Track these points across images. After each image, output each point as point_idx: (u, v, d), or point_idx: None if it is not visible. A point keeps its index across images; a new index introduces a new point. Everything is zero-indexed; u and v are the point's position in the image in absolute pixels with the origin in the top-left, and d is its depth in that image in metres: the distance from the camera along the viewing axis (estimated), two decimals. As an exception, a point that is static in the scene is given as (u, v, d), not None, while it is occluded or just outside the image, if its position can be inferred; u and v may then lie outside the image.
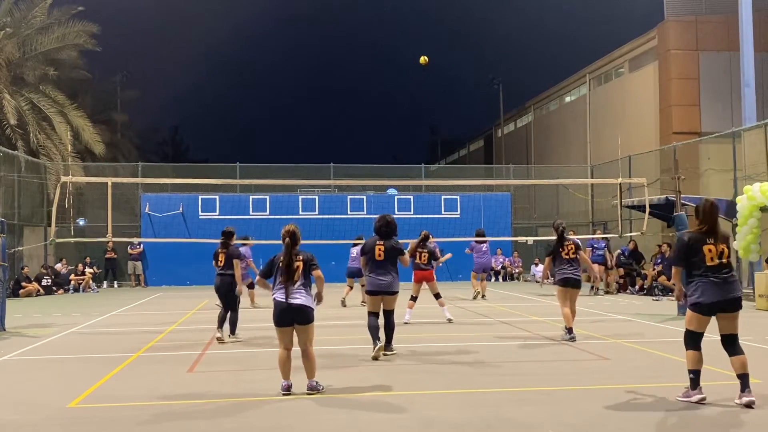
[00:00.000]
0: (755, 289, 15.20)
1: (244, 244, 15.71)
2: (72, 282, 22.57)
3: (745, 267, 18.19)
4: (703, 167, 22.53)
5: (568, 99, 37.66)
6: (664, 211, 18.41)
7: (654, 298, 17.54)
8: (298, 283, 6.68)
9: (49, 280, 21.56)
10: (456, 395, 6.50)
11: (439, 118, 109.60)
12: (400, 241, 9.08)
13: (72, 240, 18.97)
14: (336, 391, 6.74)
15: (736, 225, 16.63)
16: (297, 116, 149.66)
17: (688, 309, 6.18)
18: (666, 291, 17.40)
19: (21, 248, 21.24)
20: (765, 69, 24.09)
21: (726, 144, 20.05)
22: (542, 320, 12.68)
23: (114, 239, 17.40)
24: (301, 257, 6.80)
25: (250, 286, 15.50)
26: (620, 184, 17.90)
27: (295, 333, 6.69)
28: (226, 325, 10.26)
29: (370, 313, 8.83)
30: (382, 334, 8.69)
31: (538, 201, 28.74)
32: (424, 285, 12.51)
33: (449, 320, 12.38)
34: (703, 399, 5.98)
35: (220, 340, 10.01)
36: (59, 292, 21.75)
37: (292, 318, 6.61)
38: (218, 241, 10.65)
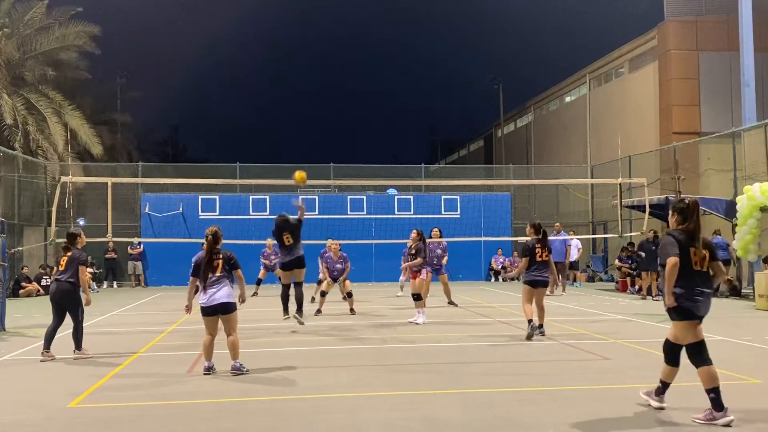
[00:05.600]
0: (755, 289, 15.19)
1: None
2: (72, 282, 22.52)
3: (744, 267, 18.20)
4: (703, 167, 22.53)
5: (568, 99, 37.66)
6: (664, 211, 18.39)
7: (654, 298, 17.53)
8: (220, 278, 7.50)
9: (49, 280, 21.53)
10: (456, 395, 6.50)
11: (439, 118, 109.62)
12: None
13: (72, 240, 18.93)
14: (336, 391, 6.74)
15: (736, 225, 16.66)
16: (297, 116, 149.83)
17: (676, 322, 5.57)
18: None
19: (21, 248, 21.22)
20: (765, 69, 24.10)
21: (726, 144, 20.06)
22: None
23: (114, 239, 17.38)
24: (221, 255, 7.58)
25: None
26: (620, 184, 17.89)
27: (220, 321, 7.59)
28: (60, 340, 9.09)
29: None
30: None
31: (538, 201, 28.71)
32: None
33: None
34: (731, 421, 5.27)
35: (46, 360, 8.68)
36: (59, 292, 21.69)
37: (216, 310, 7.48)
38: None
